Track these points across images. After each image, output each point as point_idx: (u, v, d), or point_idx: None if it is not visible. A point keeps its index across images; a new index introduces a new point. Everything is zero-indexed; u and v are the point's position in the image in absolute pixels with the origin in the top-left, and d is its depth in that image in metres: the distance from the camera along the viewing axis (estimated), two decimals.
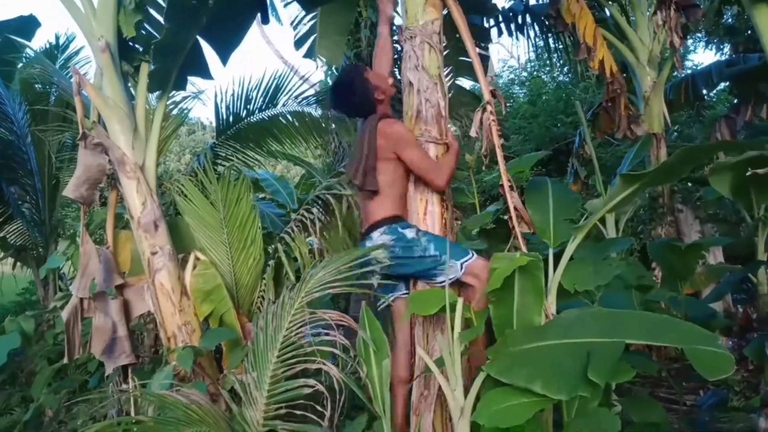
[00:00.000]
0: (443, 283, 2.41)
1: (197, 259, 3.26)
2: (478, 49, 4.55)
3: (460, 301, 2.36)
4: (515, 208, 2.74)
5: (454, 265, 2.46)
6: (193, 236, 3.46)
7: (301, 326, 2.45)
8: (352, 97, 2.65)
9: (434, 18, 2.73)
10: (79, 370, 3.75)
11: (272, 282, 3.45)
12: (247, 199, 3.52)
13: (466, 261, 2.50)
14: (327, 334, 2.46)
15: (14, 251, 6.10)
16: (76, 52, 6.44)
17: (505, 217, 2.82)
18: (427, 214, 2.75)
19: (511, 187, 2.76)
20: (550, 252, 2.81)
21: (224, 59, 3.02)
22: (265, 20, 2.87)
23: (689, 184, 5.92)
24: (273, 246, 3.82)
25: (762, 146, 3.26)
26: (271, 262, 3.52)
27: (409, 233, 2.50)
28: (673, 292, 3.14)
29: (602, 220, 4.78)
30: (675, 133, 8.23)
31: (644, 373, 2.83)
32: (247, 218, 3.40)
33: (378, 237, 2.49)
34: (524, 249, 2.64)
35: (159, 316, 3.21)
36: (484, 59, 4.56)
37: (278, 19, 3.05)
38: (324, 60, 4.65)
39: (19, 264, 6.35)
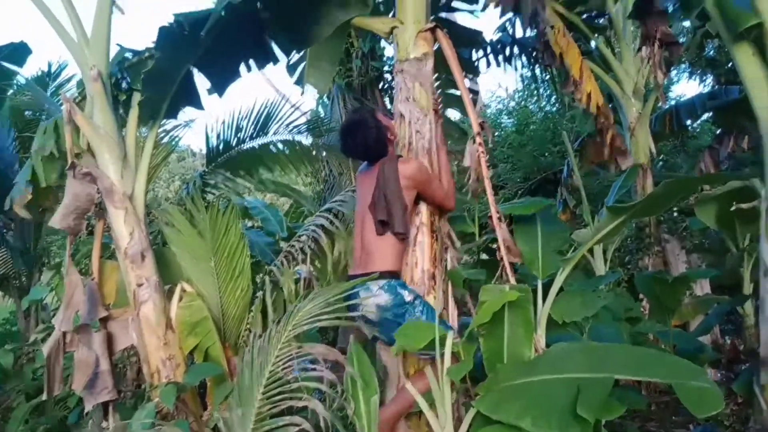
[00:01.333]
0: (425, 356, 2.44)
1: (184, 290, 3.21)
2: (467, 81, 4.64)
3: (449, 336, 2.35)
4: (504, 240, 2.75)
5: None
6: (180, 266, 3.42)
7: (287, 361, 2.41)
8: (368, 139, 2.63)
9: (425, 52, 2.79)
10: (58, 405, 3.64)
11: (260, 314, 3.41)
12: (236, 229, 3.49)
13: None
14: (314, 369, 2.43)
15: None
16: (68, 80, 6.44)
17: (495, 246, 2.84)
18: (417, 244, 2.76)
19: (499, 218, 2.78)
20: (539, 283, 2.82)
21: (220, 92, 3.03)
22: (261, 67, 2.90)
23: (675, 215, 5.99)
24: (261, 276, 3.79)
25: (745, 178, 3.32)
26: (260, 294, 3.48)
27: (407, 296, 2.51)
28: (660, 324, 3.14)
29: (590, 251, 4.80)
30: (660, 163, 8.35)
31: (634, 408, 2.81)
32: (235, 248, 3.37)
33: (376, 290, 2.49)
34: (512, 280, 2.65)
35: (143, 350, 3.14)
36: (473, 92, 4.63)
37: (275, 63, 3.08)
38: (312, 87, 4.69)
39: (0, 293, 6.23)
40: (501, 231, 2.70)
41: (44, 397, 3.24)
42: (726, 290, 5.27)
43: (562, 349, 2.25)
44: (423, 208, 2.75)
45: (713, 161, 5.84)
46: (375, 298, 2.48)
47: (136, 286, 3.12)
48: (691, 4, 4.44)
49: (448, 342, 2.32)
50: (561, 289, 2.82)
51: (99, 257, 3.34)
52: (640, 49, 4.44)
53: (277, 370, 2.41)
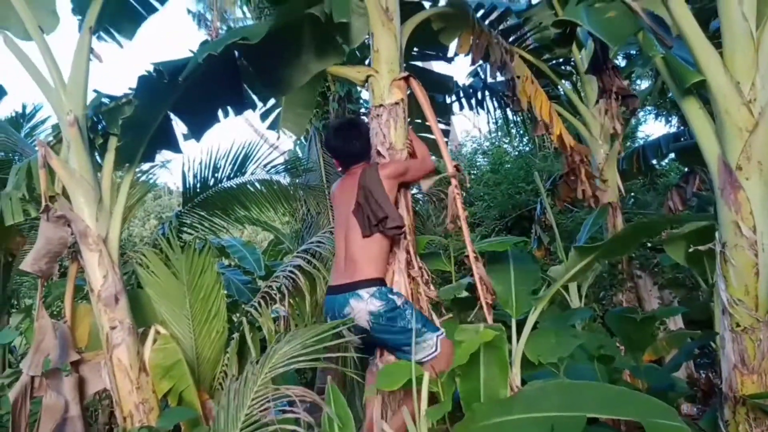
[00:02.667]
0: (417, 359, 2.42)
1: (158, 332, 3.18)
2: (441, 125, 4.78)
3: (426, 376, 2.36)
4: (480, 278, 2.80)
5: (431, 338, 2.49)
6: (154, 309, 3.39)
7: (264, 403, 2.39)
8: (358, 144, 2.77)
9: (399, 98, 2.88)
10: None
11: (236, 356, 3.37)
12: (212, 270, 3.48)
13: (442, 335, 2.54)
14: (291, 411, 2.40)
15: None
16: (42, 122, 6.41)
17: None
18: (394, 284, 2.79)
19: (476, 257, 2.84)
20: (513, 322, 2.86)
21: (197, 137, 3.07)
22: (238, 113, 2.97)
23: (647, 251, 6.13)
24: (238, 316, 3.76)
25: (706, 219, 3.45)
26: (236, 335, 3.45)
27: (398, 301, 2.53)
28: (633, 360, 3.19)
29: (565, 288, 4.88)
30: (631, 201, 8.58)
31: None
32: (211, 290, 3.36)
33: (368, 298, 2.49)
34: (490, 319, 2.69)
35: (115, 393, 3.07)
36: (447, 133, 4.76)
37: (253, 109, 3.15)
38: (288, 133, 4.77)
39: None
40: (478, 270, 2.76)
41: None
42: (699, 324, 5.38)
43: (537, 388, 2.28)
44: (400, 251, 2.78)
45: (681, 199, 6.02)
46: (367, 305, 2.48)
47: (109, 329, 3.07)
48: (645, 60, 4.70)
49: (425, 381, 2.34)
50: (535, 327, 2.87)
51: (72, 300, 3.29)
52: (597, 102, 4.65)
53: (254, 413, 2.38)
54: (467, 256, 2.81)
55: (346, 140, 2.77)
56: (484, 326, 2.52)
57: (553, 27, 2.98)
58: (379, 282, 2.54)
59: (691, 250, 2.67)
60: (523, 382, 2.69)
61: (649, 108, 10.01)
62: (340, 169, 2.89)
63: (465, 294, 3.20)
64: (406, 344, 2.47)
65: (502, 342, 2.43)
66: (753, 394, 2.20)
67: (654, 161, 6.55)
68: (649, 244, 6.06)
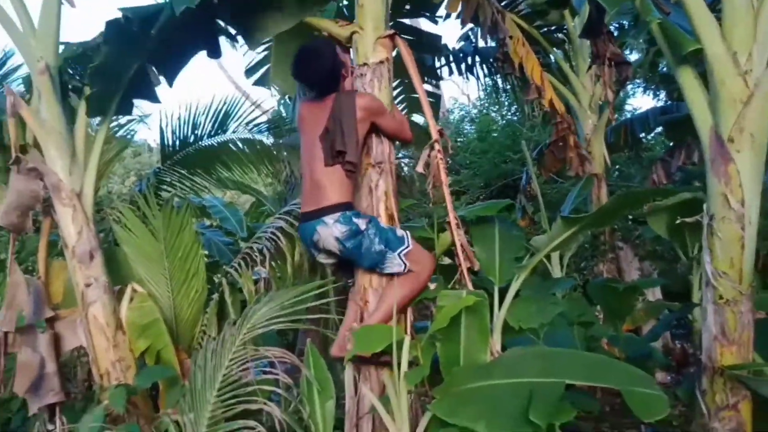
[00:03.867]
0: (392, 274, 2.51)
1: (134, 291, 3.12)
2: (429, 87, 4.68)
3: (407, 340, 2.35)
4: (461, 245, 2.77)
5: (393, 257, 2.50)
6: (131, 267, 3.32)
7: (242, 364, 2.36)
8: (322, 68, 2.57)
9: (384, 57, 2.77)
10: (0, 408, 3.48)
11: (215, 317, 3.33)
12: (190, 229, 3.40)
13: (404, 250, 2.52)
14: (270, 372, 2.38)
15: None
16: (14, 69, 6.16)
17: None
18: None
19: (457, 224, 2.79)
20: (496, 289, 2.86)
21: (170, 81, 2.93)
22: (215, 55, 2.83)
23: (629, 223, 6.17)
24: (219, 277, 3.71)
25: (692, 191, 3.45)
26: (215, 296, 3.40)
27: (362, 224, 2.48)
28: (612, 329, 3.23)
29: (547, 257, 4.90)
30: (616, 173, 8.60)
31: (586, 411, 2.87)
32: (189, 249, 3.29)
33: (332, 224, 2.45)
34: (470, 286, 2.67)
35: (92, 351, 3.03)
36: (435, 97, 4.66)
37: (233, 45, 3.01)
38: (278, 89, 4.61)
39: None
40: (459, 237, 2.71)
41: None
42: (676, 296, 5.47)
43: (517, 354, 2.28)
44: (381, 205, 2.71)
45: (665, 173, 6.03)
46: (332, 231, 2.45)
47: (84, 287, 3.01)
48: (640, 26, 4.61)
49: (405, 345, 2.32)
50: (517, 295, 2.87)
51: (46, 256, 3.21)
52: (590, 68, 4.58)
53: (232, 373, 2.36)
54: (448, 222, 2.76)
55: (310, 67, 2.59)
56: (467, 292, 2.50)
57: None
58: (344, 206, 2.50)
59: (678, 221, 2.65)
60: (504, 349, 2.70)
61: (638, 81, 9.96)
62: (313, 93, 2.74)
63: (448, 261, 3.18)
64: (376, 264, 2.51)
65: (484, 307, 2.41)
66: (732, 365, 2.22)
67: (642, 134, 6.55)
68: (631, 217, 6.10)
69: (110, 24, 2.44)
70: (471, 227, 3.17)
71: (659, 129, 6.98)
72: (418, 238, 2.94)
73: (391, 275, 2.55)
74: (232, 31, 2.85)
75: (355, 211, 2.54)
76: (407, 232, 2.62)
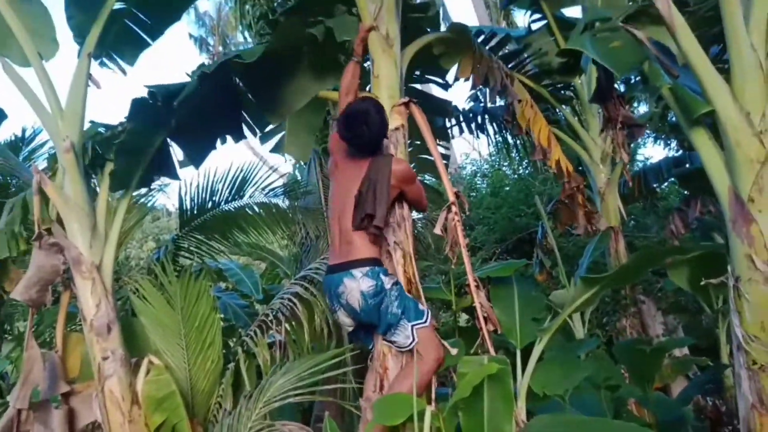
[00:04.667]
0: (400, 347, 2.49)
1: (151, 363, 3.09)
2: (440, 147, 4.75)
3: (428, 411, 2.28)
4: (482, 308, 2.73)
5: (405, 327, 2.46)
6: (148, 337, 3.31)
7: None
8: (372, 132, 2.57)
9: (399, 124, 2.85)
10: None
11: (231, 388, 3.27)
12: (207, 297, 3.41)
13: (419, 325, 2.48)
14: None
15: None
16: (41, 145, 6.38)
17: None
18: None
19: (477, 285, 2.77)
20: (518, 352, 2.79)
21: (196, 164, 3.02)
22: (238, 139, 2.92)
23: (650, 275, 6.06)
24: (234, 342, 3.67)
25: (712, 248, 3.39)
26: (231, 365, 3.36)
27: (387, 282, 2.47)
28: (640, 390, 3.11)
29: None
30: (632, 223, 8.51)
31: None
32: (206, 318, 3.28)
33: (360, 277, 2.44)
34: (492, 351, 2.61)
35: (106, 426, 2.98)
36: (446, 157, 4.73)
37: (254, 134, 3.11)
38: (290, 157, 4.72)
39: None
40: (479, 299, 2.68)
41: None
42: (704, 350, 5.28)
43: (543, 424, 2.19)
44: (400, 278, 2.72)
45: (683, 223, 5.97)
46: (359, 284, 2.43)
47: (101, 360, 3.00)
48: (650, 90, 4.68)
49: (427, 416, 2.25)
50: (541, 357, 2.80)
51: (63, 329, 3.22)
52: (602, 131, 4.63)
53: None
54: (468, 285, 2.74)
55: (361, 128, 2.56)
56: (488, 358, 2.44)
57: (557, 56, 2.96)
58: (373, 262, 2.50)
59: (702, 283, 2.59)
60: (529, 414, 2.61)
61: (648, 132, 10.00)
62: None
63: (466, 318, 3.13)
64: (389, 329, 2.48)
65: (507, 375, 2.34)
66: None
67: (655, 185, 6.52)
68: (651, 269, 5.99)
69: (135, 102, 2.54)
70: (491, 288, 3.14)
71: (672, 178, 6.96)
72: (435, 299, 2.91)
73: (399, 350, 2.52)
74: (252, 123, 2.93)
75: (384, 269, 2.54)
76: (430, 312, 2.59)
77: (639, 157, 10.22)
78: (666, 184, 8.55)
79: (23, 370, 3.02)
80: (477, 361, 2.40)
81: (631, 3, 4.05)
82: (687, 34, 2.25)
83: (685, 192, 6.72)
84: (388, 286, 2.47)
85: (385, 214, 2.53)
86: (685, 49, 2.26)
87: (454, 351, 2.59)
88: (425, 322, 2.50)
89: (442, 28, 3.68)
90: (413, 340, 2.46)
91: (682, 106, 2.36)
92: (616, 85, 3.84)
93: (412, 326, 2.46)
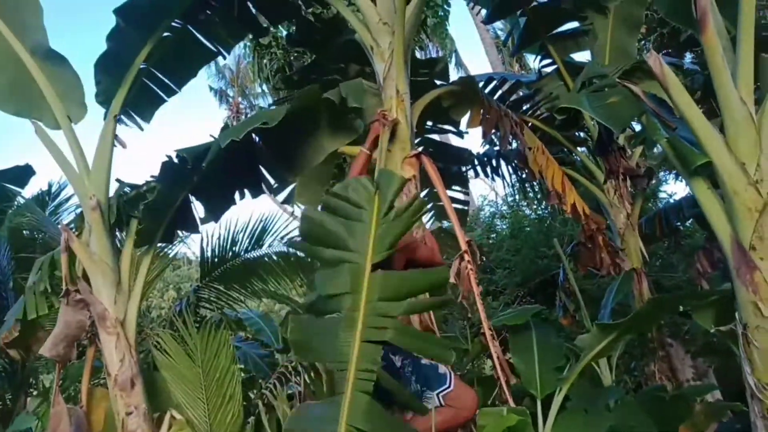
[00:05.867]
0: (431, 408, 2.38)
1: (173, 418, 3.10)
2: (458, 194, 4.81)
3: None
4: (498, 358, 2.71)
5: (431, 397, 2.40)
6: (169, 392, 3.33)
7: None
8: None
9: (411, 175, 2.92)
10: None
11: None
12: (228, 349, 3.44)
13: (444, 391, 2.42)
14: None
15: None
16: (67, 199, 6.61)
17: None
18: None
19: (492, 335, 2.75)
20: (538, 402, 2.74)
21: (216, 218, 3.13)
22: (256, 195, 3.03)
23: (677, 316, 5.91)
24: (255, 393, 3.65)
25: (721, 293, 3.33)
26: (251, 419, 3.35)
27: (398, 361, 2.44)
28: None
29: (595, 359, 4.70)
30: (658, 262, 8.35)
31: None
32: (227, 371, 3.30)
33: None
34: (511, 402, 2.57)
35: None
36: (464, 203, 4.78)
37: (270, 190, 3.23)
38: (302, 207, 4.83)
39: None
40: (495, 349, 2.66)
41: None
42: (738, 395, 5.07)
43: None
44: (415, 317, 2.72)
45: (709, 262, 5.84)
46: None
47: (125, 415, 3.04)
48: (648, 143, 4.74)
49: None
50: (564, 405, 2.74)
51: (88, 384, 3.27)
52: (605, 182, 4.64)
53: None
54: (483, 334, 2.72)
55: None
56: (507, 409, 2.41)
57: (557, 114, 3.04)
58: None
59: (712, 330, 2.55)
60: None
61: (666, 168, 9.93)
62: None
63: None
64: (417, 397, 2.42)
65: (527, 426, 2.31)
66: None
67: (677, 223, 6.43)
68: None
69: (165, 164, 2.66)
70: (509, 336, 3.11)
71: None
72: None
73: None
74: (271, 180, 3.04)
75: (393, 347, 2.54)
76: (450, 370, 2.57)
77: (662, 195, 10.12)
78: (690, 221, 8.44)
79: (49, 427, 3.06)
80: (496, 413, 2.37)
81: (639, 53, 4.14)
82: (680, 90, 2.31)
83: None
84: (398, 365, 2.45)
85: None
86: (679, 105, 2.32)
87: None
88: (449, 386, 2.46)
89: (454, 73, 3.80)
90: (441, 404, 2.41)
91: (680, 157, 2.39)
92: (632, 124, 3.87)
93: (437, 394, 2.43)
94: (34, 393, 5.67)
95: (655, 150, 8.96)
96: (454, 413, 2.41)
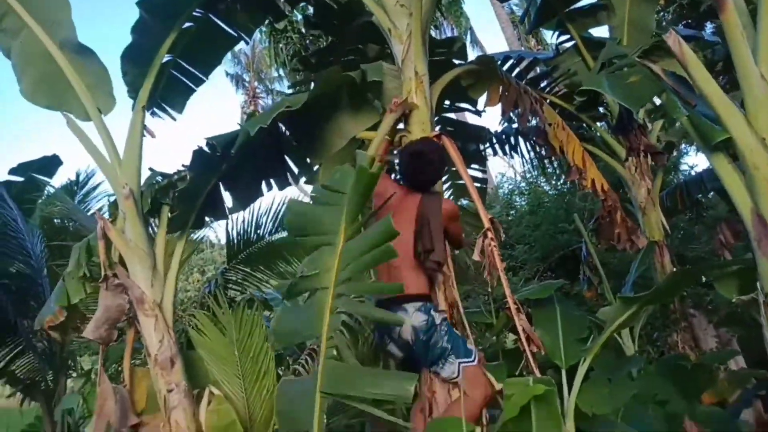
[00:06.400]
0: (445, 379, 2.56)
1: (211, 394, 3.26)
2: (476, 173, 4.85)
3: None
4: (523, 330, 2.78)
5: (453, 363, 2.55)
6: (206, 369, 3.48)
7: None
8: (435, 175, 2.82)
9: None
10: None
11: None
12: (260, 328, 3.57)
13: (466, 363, 2.55)
14: None
15: (23, 387, 6.01)
16: (95, 188, 6.79)
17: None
18: None
19: (518, 309, 2.82)
20: (563, 372, 2.82)
21: (243, 208, 3.23)
22: (282, 187, 3.13)
23: (700, 287, 5.92)
24: (282, 371, 3.80)
25: (742, 262, 3.35)
26: None
27: (438, 318, 2.57)
28: (690, 408, 3.08)
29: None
30: (681, 233, 8.30)
31: None
32: (260, 349, 3.44)
33: (413, 312, 2.53)
34: (537, 372, 2.65)
35: None
36: (482, 181, 4.81)
37: (296, 181, 3.31)
38: None
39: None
40: (520, 321, 2.74)
41: None
42: (761, 364, 5.09)
43: None
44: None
45: (732, 233, 5.81)
46: (411, 319, 2.51)
47: (166, 392, 3.19)
48: (669, 120, 4.71)
49: None
50: (587, 375, 2.82)
51: (130, 364, 3.42)
52: (626, 160, 4.64)
53: None
54: (508, 308, 2.80)
55: (425, 172, 2.74)
56: (533, 379, 2.49)
57: (577, 96, 3.06)
58: (425, 298, 2.61)
59: (734, 299, 2.60)
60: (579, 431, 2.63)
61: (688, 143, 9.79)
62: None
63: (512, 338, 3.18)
64: (436, 361, 2.57)
65: (553, 395, 2.38)
66: None
67: (699, 196, 6.40)
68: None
69: (196, 153, 2.76)
70: (532, 309, 3.18)
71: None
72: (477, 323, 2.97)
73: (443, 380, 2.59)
74: (295, 169, 3.12)
75: (434, 305, 2.65)
76: (478, 351, 2.67)
77: (683, 167, 10.00)
78: (711, 193, 8.35)
79: (97, 404, 3.23)
80: (522, 383, 2.45)
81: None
82: (699, 68, 2.34)
83: None
84: (438, 321, 2.56)
85: (443, 249, 2.65)
86: (698, 83, 2.34)
87: (499, 386, 2.62)
88: (473, 360, 2.57)
89: (471, 52, 3.82)
90: (457, 375, 2.54)
91: (700, 134, 2.42)
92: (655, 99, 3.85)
93: (459, 363, 2.54)
94: (74, 375, 5.91)
95: (676, 125, 8.85)
96: (468, 404, 2.50)
